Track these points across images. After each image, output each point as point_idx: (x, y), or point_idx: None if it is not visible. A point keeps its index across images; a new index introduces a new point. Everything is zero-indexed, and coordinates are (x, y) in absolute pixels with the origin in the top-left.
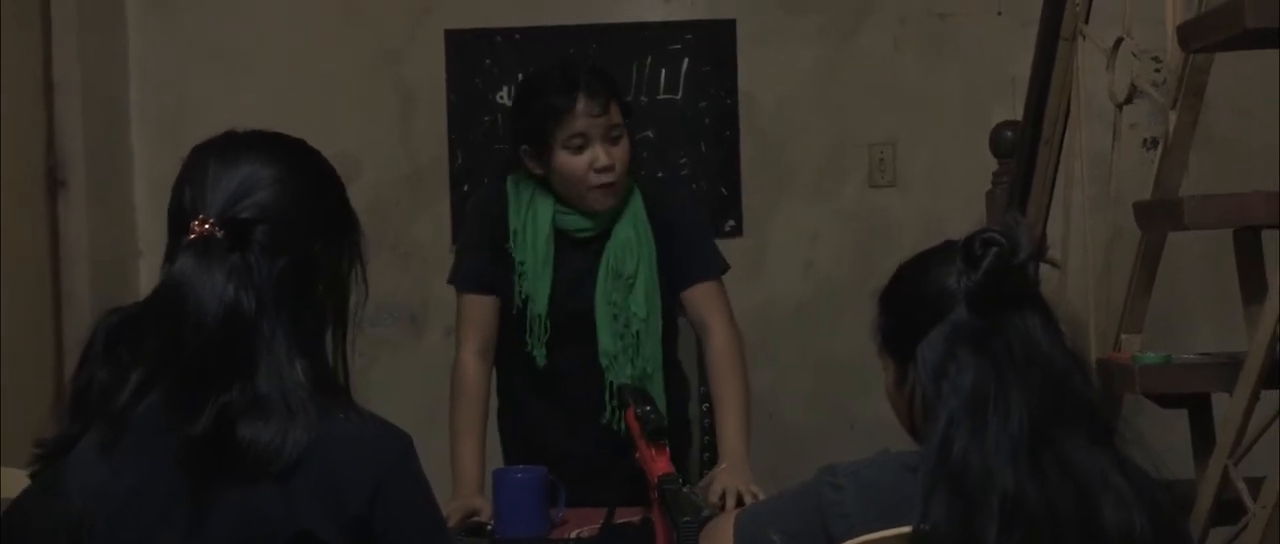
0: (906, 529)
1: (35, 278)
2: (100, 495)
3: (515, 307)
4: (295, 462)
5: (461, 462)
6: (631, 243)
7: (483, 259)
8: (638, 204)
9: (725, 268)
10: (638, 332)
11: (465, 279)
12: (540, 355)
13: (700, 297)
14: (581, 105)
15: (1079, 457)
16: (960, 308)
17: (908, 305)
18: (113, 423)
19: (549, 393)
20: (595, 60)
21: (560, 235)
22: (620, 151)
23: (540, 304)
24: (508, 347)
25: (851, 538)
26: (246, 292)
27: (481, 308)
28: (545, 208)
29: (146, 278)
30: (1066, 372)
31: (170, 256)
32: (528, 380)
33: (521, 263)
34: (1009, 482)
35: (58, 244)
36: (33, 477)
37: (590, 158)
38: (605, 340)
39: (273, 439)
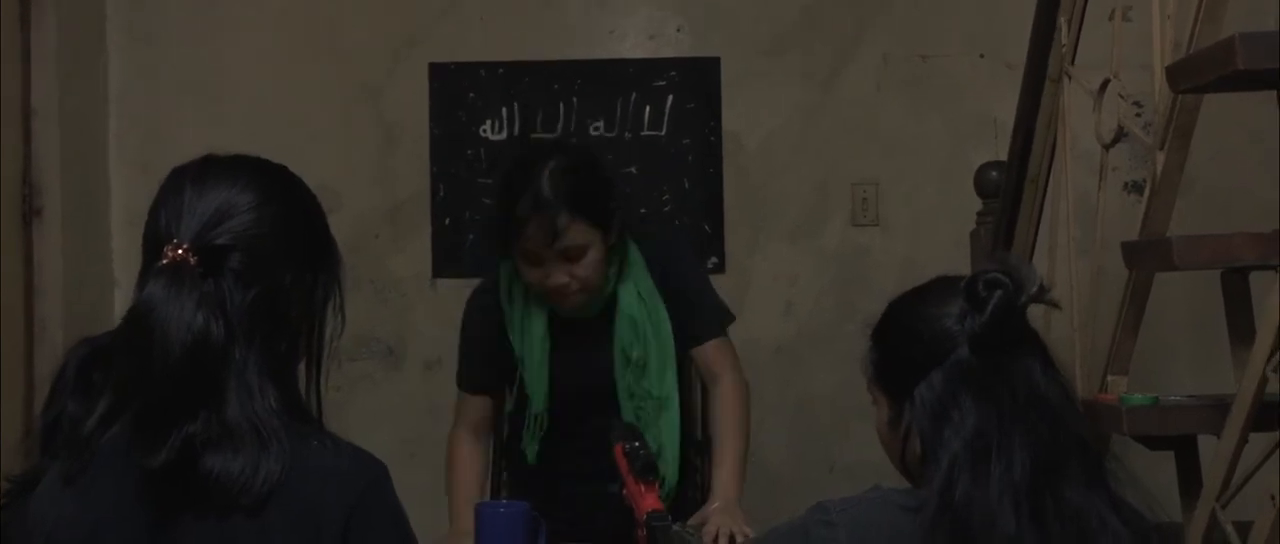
0: None
1: (8, 307)
2: (66, 527)
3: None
4: (268, 493)
5: (458, 516)
6: (638, 322)
7: (480, 361)
8: (639, 271)
9: (731, 319)
10: (656, 406)
11: (462, 379)
12: (531, 452)
13: (711, 352)
14: (531, 229)
15: (1076, 498)
16: (962, 349)
17: (905, 343)
18: (78, 453)
19: (554, 460)
20: (578, 149)
21: (559, 320)
22: (584, 267)
23: (538, 402)
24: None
25: None
26: (216, 320)
27: (478, 405)
28: (539, 302)
29: (121, 309)
30: (1063, 412)
31: (141, 281)
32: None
33: (520, 360)
34: (1011, 527)
35: (31, 273)
36: (1, 511)
37: (542, 274)
38: (627, 416)
39: (243, 471)
